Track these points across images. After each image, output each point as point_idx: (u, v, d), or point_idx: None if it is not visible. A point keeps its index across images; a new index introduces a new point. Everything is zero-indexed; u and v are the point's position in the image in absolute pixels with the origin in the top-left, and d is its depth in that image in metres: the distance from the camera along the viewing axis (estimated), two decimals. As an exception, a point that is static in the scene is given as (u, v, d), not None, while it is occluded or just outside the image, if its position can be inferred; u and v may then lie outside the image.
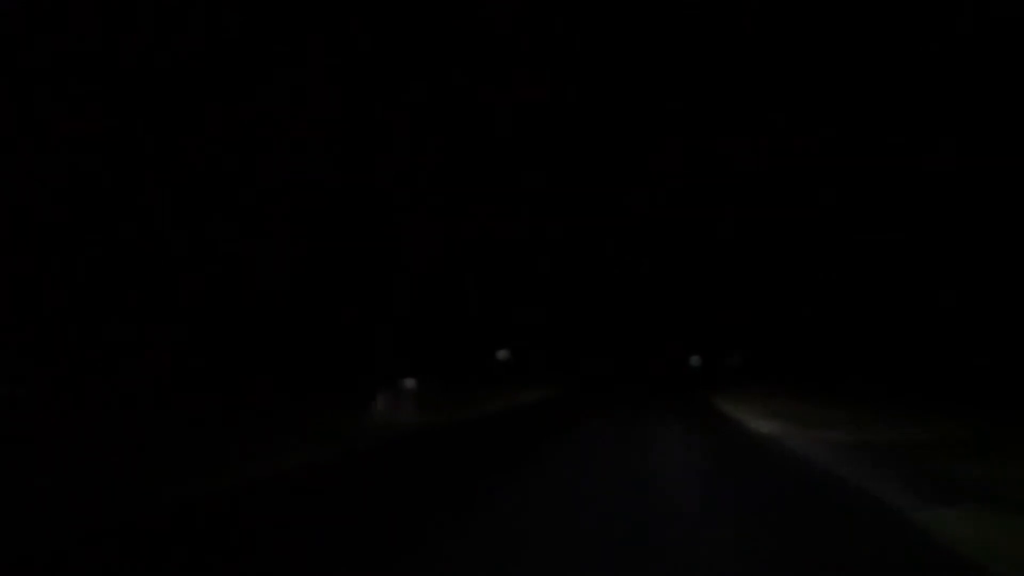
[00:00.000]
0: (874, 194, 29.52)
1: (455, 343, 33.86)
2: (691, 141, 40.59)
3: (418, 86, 27.68)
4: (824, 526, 6.77)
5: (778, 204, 37.08)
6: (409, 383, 17.73)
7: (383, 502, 7.77)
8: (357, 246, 25.36)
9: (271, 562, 5.46)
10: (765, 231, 41.46)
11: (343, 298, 24.69)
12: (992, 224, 25.73)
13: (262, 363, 21.47)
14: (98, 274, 18.45)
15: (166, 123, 20.07)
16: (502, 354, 38.80)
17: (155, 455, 10.15)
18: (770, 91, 32.40)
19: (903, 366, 31.42)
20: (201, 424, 14.09)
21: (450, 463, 11.13)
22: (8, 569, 5.29)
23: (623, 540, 6.03)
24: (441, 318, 31.80)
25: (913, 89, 26.56)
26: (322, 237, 24.49)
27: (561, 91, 35.31)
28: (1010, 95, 23.84)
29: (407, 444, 13.28)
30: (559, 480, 9.42)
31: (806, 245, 36.96)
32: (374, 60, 26.35)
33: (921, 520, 6.70)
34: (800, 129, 31.10)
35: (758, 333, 46.99)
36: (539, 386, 38.00)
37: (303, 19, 23.87)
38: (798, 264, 39.07)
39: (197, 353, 20.23)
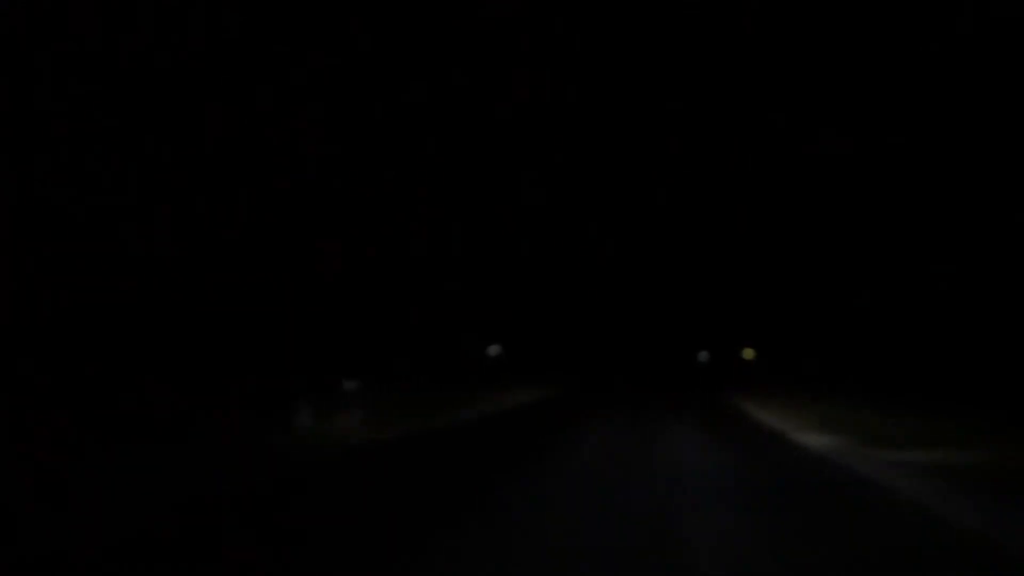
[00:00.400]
0: (879, 192, 29.21)
1: (435, 340, 33.13)
2: (696, 135, 40.73)
3: (418, 86, 27.48)
4: None
5: (783, 199, 37.49)
6: (350, 386, 15.12)
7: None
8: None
9: None
10: (770, 224, 41.40)
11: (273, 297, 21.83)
12: (990, 221, 25.37)
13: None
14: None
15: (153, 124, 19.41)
16: (493, 350, 38.13)
17: None
18: (777, 86, 32.47)
19: (897, 363, 30.53)
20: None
21: (357, 517, 7.31)
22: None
23: None
24: (421, 313, 31.05)
25: (913, 89, 26.36)
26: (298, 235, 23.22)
27: (565, 86, 35.57)
28: (1010, 95, 23.46)
29: (315, 477, 9.89)
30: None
31: (813, 240, 36.28)
32: (374, 60, 26.09)
33: None
34: (803, 127, 31.17)
35: (769, 329, 46.30)
36: (535, 385, 37.41)
37: (302, 18, 23.66)
38: (808, 259, 38.11)
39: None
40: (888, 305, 31.37)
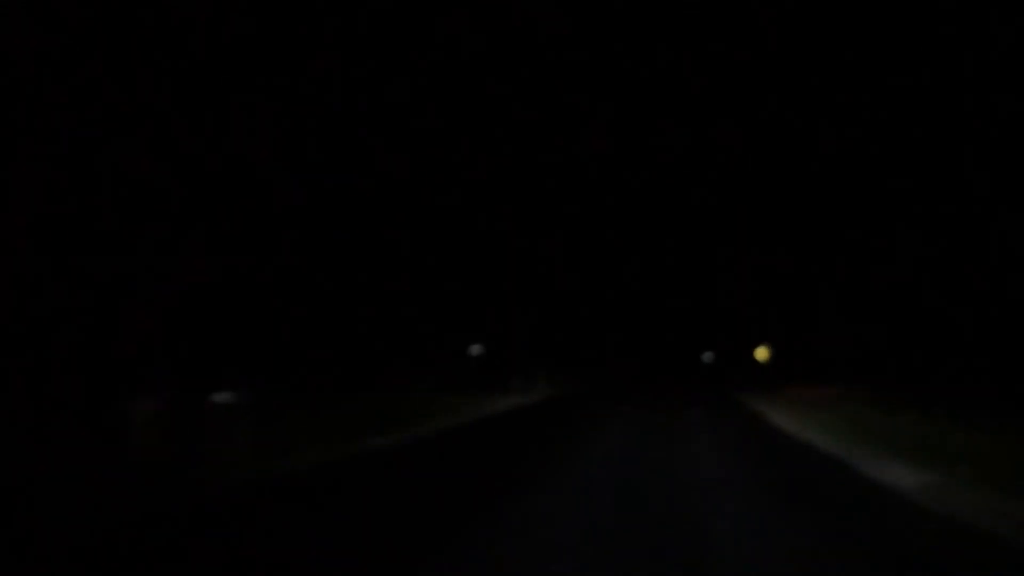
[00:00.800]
0: (887, 189, 28.68)
1: (397, 340, 28.37)
2: (701, 128, 39.87)
3: (403, 80, 26.02)
4: None
5: (787, 199, 36.96)
6: (223, 398, 11.49)
7: None
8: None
9: None
10: (774, 224, 40.29)
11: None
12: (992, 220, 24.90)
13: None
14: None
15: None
16: (475, 350, 33.36)
17: None
18: (783, 83, 31.81)
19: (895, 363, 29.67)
20: None
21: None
22: None
23: None
24: (379, 311, 26.42)
25: (916, 85, 25.71)
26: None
27: (566, 85, 34.87)
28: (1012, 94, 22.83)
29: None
30: None
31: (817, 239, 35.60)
32: (366, 60, 24.59)
33: None
34: (810, 125, 30.94)
35: (781, 328, 42.35)
36: (523, 389, 33.19)
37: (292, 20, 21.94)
38: (811, 259, 37.34)
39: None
40: (890, 304, 30.52)
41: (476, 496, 8.42)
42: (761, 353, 41.32)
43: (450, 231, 34.09)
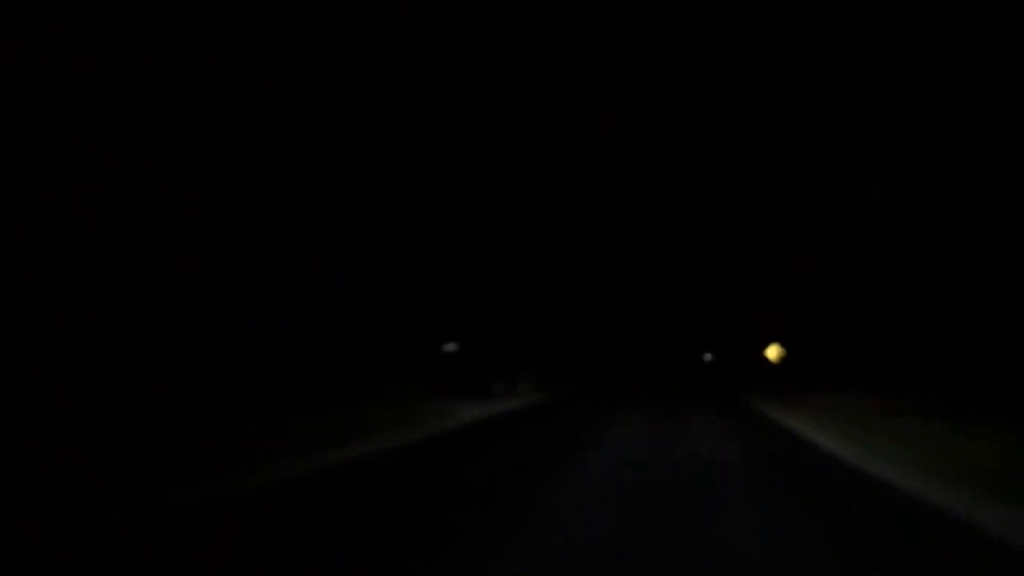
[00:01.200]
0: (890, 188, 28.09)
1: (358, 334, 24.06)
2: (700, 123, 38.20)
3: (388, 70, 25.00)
4: None
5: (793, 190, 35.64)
6: None
7: None
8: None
9: None
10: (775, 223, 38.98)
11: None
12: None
13: None
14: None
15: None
16: (450, 347, 29.12)
17: None
18: (784, 84, 31.30)
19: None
20: None
21: None
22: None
23: None
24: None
25: (917, 84, 25.17)
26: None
27: (564, 84, 34.10)
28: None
29: None
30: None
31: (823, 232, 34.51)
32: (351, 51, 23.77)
33: None
34: (812, 122, 30.24)
35: (782, 328, 38.70)
36: (505, 393, 29.09)
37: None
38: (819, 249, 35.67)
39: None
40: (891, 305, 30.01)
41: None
42: (772, 352, 36.93)
43: (436, 221, 30.55)
